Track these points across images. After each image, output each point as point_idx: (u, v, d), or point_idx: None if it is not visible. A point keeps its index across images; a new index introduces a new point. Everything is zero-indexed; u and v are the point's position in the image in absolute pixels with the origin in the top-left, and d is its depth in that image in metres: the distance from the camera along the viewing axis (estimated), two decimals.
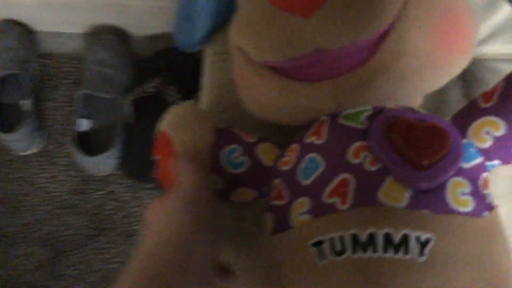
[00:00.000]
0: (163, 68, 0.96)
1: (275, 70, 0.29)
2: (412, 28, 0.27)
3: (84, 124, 0.88)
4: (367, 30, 0.26)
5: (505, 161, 0.30)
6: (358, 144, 0.28)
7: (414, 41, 0.27)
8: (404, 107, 0.29)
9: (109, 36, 0.94)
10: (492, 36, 0.39)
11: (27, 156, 0.87)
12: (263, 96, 0.31)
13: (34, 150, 0.88)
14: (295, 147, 0.31)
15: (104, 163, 0.85)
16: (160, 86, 0.94)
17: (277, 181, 0.31)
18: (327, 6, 0.26)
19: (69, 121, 0.90)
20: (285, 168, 0.31)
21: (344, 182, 0.27)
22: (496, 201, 0.35)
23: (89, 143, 0.87)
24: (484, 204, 0.28)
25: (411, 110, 0.30)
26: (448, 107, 0.32)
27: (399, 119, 0.28)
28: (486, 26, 0.39)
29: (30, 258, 0.82)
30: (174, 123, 0.33)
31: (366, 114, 0.29)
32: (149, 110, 0.92)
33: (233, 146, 0.32)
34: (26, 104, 0.88)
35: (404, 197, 0.26)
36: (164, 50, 0.96)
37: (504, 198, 0.35)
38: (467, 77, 0.38)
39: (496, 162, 0.30)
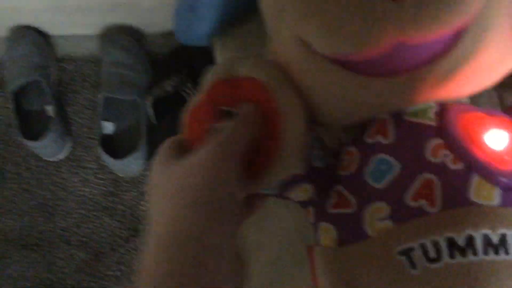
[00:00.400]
0: (180, 66, 0.94)
1: (342, 64, 0.26)
2: (493, 19, 0.25)
3: (108, 127, 0.86)
4: (456, 16, 0.24)
5: None
6: (435, 141, 0.26)
7: (495, 32, 0.25)
8: (466, 103, 0.28)
9: (122, 36, 0.92)
10: None
11: (57, 161, 0.87)
12: (322, 95, 0.28)
13: (62, 155, 0.87)
14: (353, 149, 0.29)
15: (132, 165, 0.84)
16: (178, 85, 0.93)
17: (337, 187, 0.29)
18: None
19: (93, 124, 0.89)
20: (345, 173, 0.29)
21: (428, 183, 0.25)
22: None
23: (115, 146, 0.86)
24: None
25: (473, 106, 0.28)
26: (479, 100, 0.31)
27: (473, 114, 0.26)
28: None
29: (71, 261, 0.81)
30: (275, 75, 0.28)
31: (433, 110, 0.27)
32: (170, 109, 0.90)
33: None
34: (50, 110, 0.87)
35: (495, 195, 0.24)
36: (180, 46, 0.95)
37: None
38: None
39: None
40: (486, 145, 0.25)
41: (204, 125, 0.28)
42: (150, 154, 0.88)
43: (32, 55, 0.90)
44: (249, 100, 0.27)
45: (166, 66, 0.95)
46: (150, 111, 0.87)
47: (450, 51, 0.25)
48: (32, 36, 0.90)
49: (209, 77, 0.29)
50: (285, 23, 0.28)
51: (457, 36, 0.25)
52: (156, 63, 0.94)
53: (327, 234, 0.28)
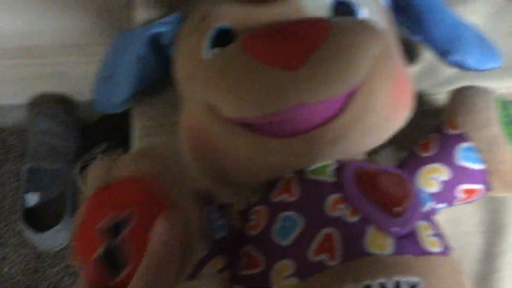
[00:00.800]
0: (110, 132, 0.94)
1: (247, 127, 0.28)
2: (380, 83, 0.28)
3: (32, 199, 0.83)
4: (348, 83, 0.27)
5: (450, 203, 0.32)
6: (333, 197, 0.28)
7: (381, 95, 0.28)
8: (361, 160, 0.30)
9: (51, 105, 0.92)
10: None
11: None
12: (231, 156, 0.30)
13: None
14: (261, 208, 0.30)
15: (56, 237, 0.81)
16: (107, 151, 0.92)
17: (246, 248, 0.29)
18: (313, 59, 0.26)
19: (16, 197, 0.85)
20: (254, 232, 0.29)
21: (329, 237, 0.26)
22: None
23: (39, 218, 0.82)
24: (446, 244, 0.29)
25: (369, 161, 0.31)
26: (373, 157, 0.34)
27: (366, 170, 0.29)
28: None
29: None
30: (155, 164, 0.26)
31: (332, 167, 0.29)
32: None
33: (211, 207, 0.30)
34: None
35: (388, 244, 0.26)
36: (109, 113, 0.95)
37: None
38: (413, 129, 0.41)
39: (442, 205, 0.32)
40: (380, 198, 0.27)
41: (91, 254, 0.24)
42: None
43: None
44: (135, 204, 0.24)
45: (96, 133, 0.94)
46: (79, 179, 0.85)
47: (342, 112, 0.28)
48: None
49: (85, 190, 0.26)
50: (195, 89, 0.30)
51: (348, 99, 0.27)
52: (86, 130, 0.93)
53: None
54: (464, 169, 0.31)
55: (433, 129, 0.34)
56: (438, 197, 0.31)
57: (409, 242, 0.27)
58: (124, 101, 0.39)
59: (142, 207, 0.24)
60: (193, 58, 0.33)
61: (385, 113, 0.29)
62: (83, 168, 0.85)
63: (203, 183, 0.30)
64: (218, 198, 0.31)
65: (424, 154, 0.32)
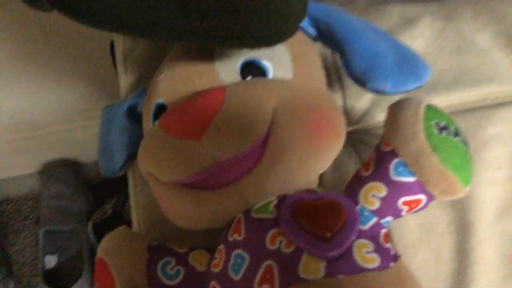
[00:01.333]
0: (117, 187, 0.98)
1: (185, 185, 0.33)
2: (286, 129, 0.31)
3: (50, 261, 0.88)
4: (251, 137, 0.30)
5: (395, 216, 0.34)
6: (272, 232, 0.31)
7: (291, 137, 0.31)
8: (303, 190, 0.33)
9: (59, 170, 0.97)
10: (370, 109, 0.45)
11: None
12: (178, 209, 0.34)
13: None
14: (221, 247, 0.33)
15: None
16: (117, 205, 0.96)
17: (212, 284, 0.33)
18: (212, 126, 0.30)
19: (36, 260, 0.90)
20: (217, 269, 0.33)
21: (268, 269, 0.29)
22: (407, 251, 0.39)
23: (59, 278, 0.86)
24: (388, 257, 0.31)
25: (310, 191, 0.33)
26: (348, 177, 0.37)
27: (300, 202, 0.31)
28: (365, 101, 0.46)
29: None
30: (107, 249, 0.36)
31: (273, 204, 0.32)
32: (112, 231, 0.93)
33: (167, 259, 0.35)
34: None
35: (320, 269, 0.28)
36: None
37: (414, 247, 0.39)
38: (359, 147, 0.43)
39: (389, 218, 0.34)
40: (312, 227, 0.30)
41: None
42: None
43: None
44: (97, 279, 0.36)
45: (104, 190, 0.99)
46: (92, 236, 0.89)
47: (258, 162, 0.31)
48: None
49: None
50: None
51: (263, 146, 0.31)
52: (94, 189, 0.98)
53: None
54: (399, 184, 0.33)
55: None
56: (380, 213, 0.33)
57: (341, 263, 0.29)
58: (121, 166, 0.45)
59: (100, 281, 0.35)
60: (146, 130, 0.39)
61: (304, 153, 0.32)
62: (95, 225, 0.90)
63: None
64: (177, 249, 0.36)
65: (365, 174, 0.34)
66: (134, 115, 0.43)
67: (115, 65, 0.54)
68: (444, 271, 0.40)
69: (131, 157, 0.46)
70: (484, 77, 0.46)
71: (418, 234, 0.40)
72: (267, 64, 0.34)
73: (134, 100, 0.43)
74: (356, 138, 0.44)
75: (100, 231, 0.91)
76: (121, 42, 0.52)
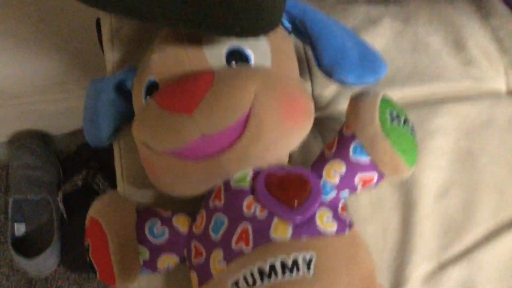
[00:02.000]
0: (88, 160, 1.00)
1: (174, 154, 0.36)
2: (264, 110, 0.35)
3: (19, 229, 0.89)
4: (236, 114, 0.34)
5: (352, 190, 0.40)
6: (249, 198, 0.36)
7: (269, 118, 0.35)
8: (276, 166, 0.38)
9: (30, 140, 0.97)
10: (335, 98, 0.51)
11: None
12: (166, 177, 0.38)
13: None
14: (203, 212, 0.38)
15: (45, 263, 0.86)
16: (87, 178, 0.98)
17: (194, 243, 0.37)
18: (202, 103, 0.34)
19: (4, 228, 0.91)
20: (198, 231, 0.38)
21: (245, 230, 0.34)
22: (360, 224, 0.44)
23: (27, 246, 0.88)
24: (344, 224, 0.37)
25: (281, 167, 0.38)
26: (313, 157, 0.42)
27: (273, 175, 0.37)
28: (331, 90, 0.51)
29: None
30: (101, 210, 0.39)
31: (250, 175, 0.37)
32: (81, 202, 0.95)
33: (153, 220, 0.39)
34: None
35: (288, 231, 0.34)
36: (86, 143, 1.01)
37: (366, 221, 0.45)
38: (324, 131, 0.48)
39: (346, 192, 0.39)
40: (283, 196, 0.35)
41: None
42: (63, 250, 0.90)
43: None
44: (89, 236, 0.40)
45: (75, 163, 1.00)
46: (61, 207, 0.91)
47: (240, 137, 0.35)
48: None
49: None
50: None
51: (244, 123, 0.35)
52: (65, 161, 0.99)
53: (193, 280, 0.37)
54: (356, 163, 0.38)
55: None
56: (339, 187, 0.39)
57: (305, 227, 0.34)
58: (108, 137, 0.48)
59: (93, 238, 0.39)
60: (137, 104, 0.42)
61: (279, 132, 0.36)
62: (64, 196, 0.91)
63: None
64: (162, 212, 0.40)
65: (328, 153, 0.40)
66: (121, 90, 0.46)
67: (100, 43, 0.57)
68: (390, 242, 0.45)
69: (117, 129, 0.49)
70: (434, 75, 0.51)
71: (369, 209, 0.45)
72: (249, 53, 0.39)
73: (122, 76, 0.46)
74: (321, 123, 0.49)
75: (69, 202, 0.93)
76: (108, 21, 0.54)
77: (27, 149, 0.95)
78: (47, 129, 1.01)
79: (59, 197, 0.89)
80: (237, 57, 0.38)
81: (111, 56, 0.53)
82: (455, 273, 0.44)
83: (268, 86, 0.36)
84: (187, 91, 0.35)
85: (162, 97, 0.37)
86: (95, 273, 0.39)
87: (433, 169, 0.46)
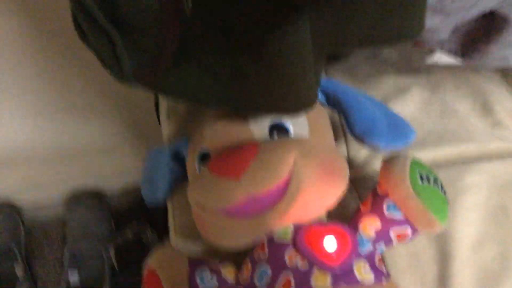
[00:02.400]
0: (139, 215, 1.05)
1: (223, 213, 0.41)
2: (303, 175, 0.39)
3: (74, 278, 0.94)
4: (277, 178, 0.39)
5: (387, 244, 0.42)
6: (290, 251, 0.39)
7: (306, 180, 0.39)
8: (315, 221, 0.42)
9: (86, 198, 1.04)
10: (368, 159, 0.55)
11: None
12: (215, 232, 0.42)
13: None
14: (248, 262, 0.42)
15: None
16: (138, 232, 1.03)
17: None
18: (249, 169, 0.39)
19: (59, 280, 0.96)
20: (244, 280, 0.41)
21: (287, 280, 0.38)
22: (398, 275, 0.46)
23: None
24: (382, 275, 0.39)
25: (320, 222, 0.42)
26: (349, 212, 0.45)
27: (315, 230, 0.40)
28: (364, 153, 0.55)
29: None
30: (157, 261, 0.44)
31: (291, 229, 0.41)
32: (132, 256, 1.00)
33: (203, 268, 0.43)
34: (19, 271, 0.95)
35: (327, 280, 0.37)
36: (137, 201, 1.07)
37: (404, 272, 0.47)
38: (360, 190, 0.52)
39: (382, 245, 0.42)
40: (322, 247, 0.39)
41: None
42: None
43: (4, 224, 1.00)
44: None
45: (127, 217, 1.06)
46: (113, 257, 0.96)
47: (283, 195, 0.39)
48: (6, 211, 1.01)
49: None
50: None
51: (285, 186, 0.40)
52: (117, 215, 1.05)
53: None
54: (390, 219, 0.42)
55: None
56: (375, 240, 0.42)
57: (344, 277, 0.38)
58: (163, 197, 0.54)
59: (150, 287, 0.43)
60: (190, 169, 0.48)
61: (316, 193, 0.40)
62: (116, 249, 0.97)
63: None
64: (211, 262, 0.44)
65: (364, 210, 0.43)
66: (177, 157, 0.53)
67: (158, 118, 0.65)
68: None
69: (171, 189, 0.54)
70: (463, 137, 0.55)
71: (407, 261, 0.47)
72: (289, 126, 0.44)
73: (178, 147, 0.53)
74: (357, 182, 0.53)
75: (120, 254, 0.98)
76: (165, 100, 0.62)
77: (83, 205, 1.02)
78: (102, 187, 1.08)
79: (111, 249, 0.94)
80: (278, 130, 0.44)
81: (167, 129, 0.60)
82: None
83: (305, 154, 0.40)
84: (235, 159, 0.40)
85: (214, 165, 0.42)
86: None
87: (467, 223, 0.49)
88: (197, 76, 0.38)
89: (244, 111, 0.40)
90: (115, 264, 0.94)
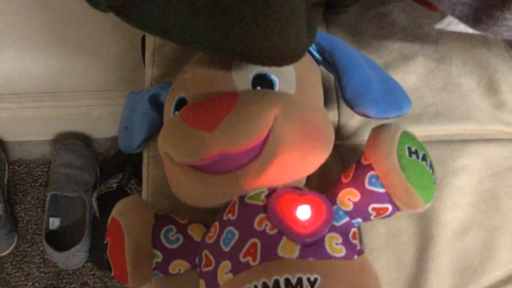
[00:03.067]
0: (124, 165, 1.04)
1: (194, 167, 0.38)
2: (283, 134, 0.36)
3: (54, 222, 0.94)
4: (254, 136, 0.36)
5: (365, 219, 0.40)
6: (260, 216, 0.37)
7: (286, 140, 0.36)
8: (292, 187, 0.39)
9: (73, 141, 1.03)
10: (360, 128, 0.52)
11: (3, 257, 0.92)
12: (186, 187, 0.40)
13: (8, 251, 0.93)
14: (216, 224, 0.40)
15: (74, 257, 0.90)
16: (122, 181, 1.02)
17: (205, 252, 0.39)
18: (223, 122, 0.36)
19: (40, 220, 0.96)
20: (210, 241, 0.39)
21: (253, 245, 0.36)
22: (375, 253, 0.44)
23: (59, 240, 0.92)
24: (354, 250, 0.37)
25: (297, 188, 0.40)
26: (331, 183, 0.43)
27: (286, 195, 0.37)
28: (356, 121, 0.52)
29: None
30: (122, 211, 0.42)
31: (264, 194, 0.38)
32: (113, 204, 0.99)
33: (170, 226, 0.41)
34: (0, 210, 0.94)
35: (295, 251, 0.35)
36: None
37: (380, 251, 0.45)
38: (346, 159, 0.49)
39: (359, 219, 0.40)
40: (294, 216, 0.36)
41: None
42: (93, 246, 0.94)
43: None
44: (109, 235, 0.42)
45: (112, 166, 1.05)
46: (95, 205, 0.95)
47: (259, 155, 0.37)
48: None
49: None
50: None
51: (262, 144, 0.37)
52: (103, 163, 1.04)
53: (201, 287, 0.39)
54: (371, 193, 0.39)
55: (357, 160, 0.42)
56: (352, 214, 0.40)
57: (313, 249, 0.35)
58: (139, 145, 0.51)
59: (112, 237, 0.41)
60: (167, 117, 0.44)
61: (295, 155, 0.37)
62: (99, 197, 0.96)
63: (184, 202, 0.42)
64: (179, 220, 0.42)
65: (344, 180, 0.41)
66: (155, 103, 0.50)
67: (143, 58, 0.61)
68: (404, 274, 0.45)
69: (148, 138, 0.52)
70: (463, 115, 0.51)
71: (385, 240, 0.45)
72: (275, 78, 0.40)
73: (158, 90, 0.49)
74: (345, 152, 0.50)
75: (103, 202, 0.97)
76: (152, 39, 0.58)
77: (69, 149, 1.00)
78: (89, 132, 1.06)
79: (94, 197, 0.93)
80: (262, 81, 0.40)
81: (151, 71, 0.56)
82: None
83: (288, 111, 0.37)
84: (210, 109, 0.37)
85: (187, 113, 0.39)
86: (111, 271, 0.41)
87: (454, 207, 0.46)
88: (174, 7, 0.34)
89: (225, 55, 0.36)
90: (97, 212, 0.93)
